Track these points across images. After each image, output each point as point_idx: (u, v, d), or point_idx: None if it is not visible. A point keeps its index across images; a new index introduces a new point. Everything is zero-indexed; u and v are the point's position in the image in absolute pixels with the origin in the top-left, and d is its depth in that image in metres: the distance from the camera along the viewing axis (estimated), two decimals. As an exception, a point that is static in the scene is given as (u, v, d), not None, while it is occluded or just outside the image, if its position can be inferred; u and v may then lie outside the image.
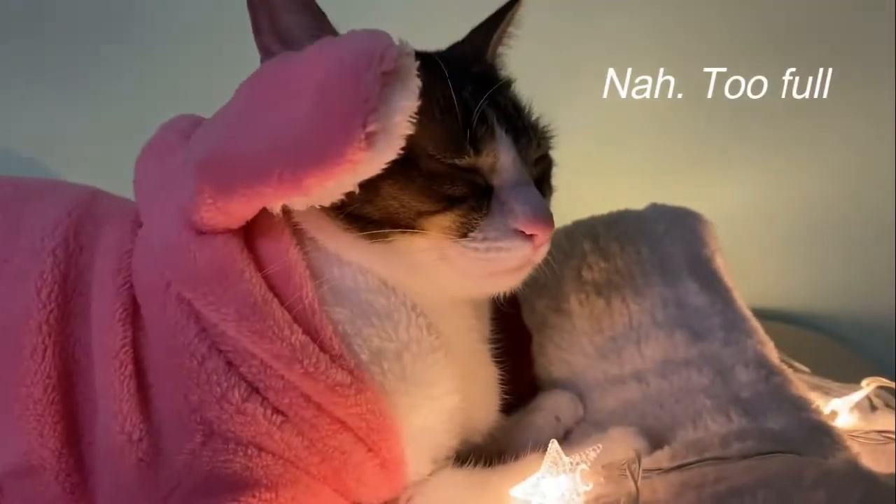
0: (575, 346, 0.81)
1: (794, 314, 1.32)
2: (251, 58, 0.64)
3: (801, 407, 0.68)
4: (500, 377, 0.73)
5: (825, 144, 1.25)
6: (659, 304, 0.79)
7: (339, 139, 0.50)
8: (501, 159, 0.62)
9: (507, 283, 0.65)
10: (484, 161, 0.62)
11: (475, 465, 0.66)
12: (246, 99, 0.60)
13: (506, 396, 0.74)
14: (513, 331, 0.77)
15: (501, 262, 0.62)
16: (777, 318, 1.30)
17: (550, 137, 0.71)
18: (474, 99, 0.62)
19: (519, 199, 0.61)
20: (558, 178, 0.73)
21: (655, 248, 0.84)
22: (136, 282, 0.62)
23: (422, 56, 0.57)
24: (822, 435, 0.65)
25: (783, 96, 1.20)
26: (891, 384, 0.81)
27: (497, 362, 0.73)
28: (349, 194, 0.58)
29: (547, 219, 0.61)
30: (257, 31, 0.63)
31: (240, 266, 0.59)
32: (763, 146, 1.27)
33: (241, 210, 0.58)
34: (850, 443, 0.67)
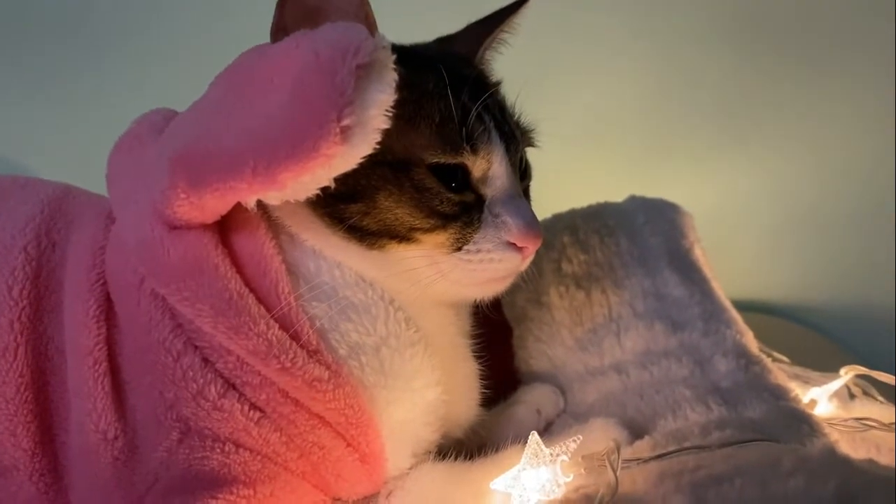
0: (555, 339, 0.81)
1: (773, 305, 1.33)
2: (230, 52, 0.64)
3: (779, 396, 0.68)
4: (480, 371, 0.73)
5: (803, 137, 1.25)
6: (639, 295, 0.79)
7: (313, 133, 0.49)
8: (495, 166, 0.63)
9: (493, 290, 0.67)
10: (479, 164, 0.62)
11: (456, 458, 0.66)
12: (220, 92, 0.59)
13: (486, 391, 0.73)
14: (493, 325, 0.76)
15: (492, 272, 0.63)
16: (756, 310, 1.31)
17: (532, 135, 0.71)
18: (471, 101, 0.62)
19: (512, 213, 0.62)
20: (538, 171, 0.74)
21: (635, 239, 0.84)
22: (110, 278, 0.61)
23: (415, 54, 0.57)
24: (800, 423, 0.65)
25: (763, 89, 1.21)
26: (869, 372, 0.82)
27: (477, 356, 0.73)
28: (349, 207, 0.60)
29: (538, 232, 0.63)
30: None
31: (214, 261, 0.58)
32: (741, 139, 1.28)
33: (214, 204, 0.57)
34: (828, 430, 0.67)
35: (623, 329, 0.77)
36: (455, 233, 0.62)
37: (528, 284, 0.83)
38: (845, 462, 0.55)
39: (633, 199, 0.90)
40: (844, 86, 1.20)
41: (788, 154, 1.27)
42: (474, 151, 0.62)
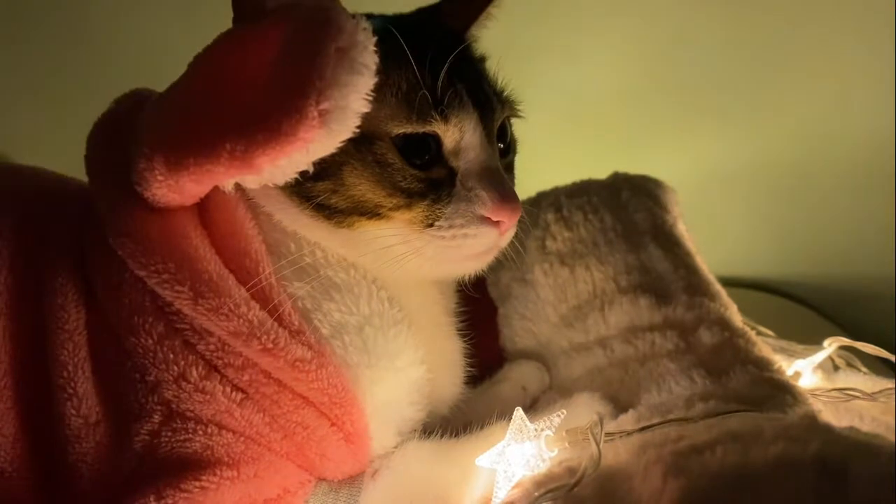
0: (540, 316, 0.81)
1: (757, 280, 1.34)
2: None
3: (764, 367, 0.69)
4: (465, 350, 0.73)
5: (786, 111, 1.25)
6: (623, 270, 0.79)
7: (291, 116, 0.49)
8: (467, 136, 0.62)
9: (472, 267, 0.66)
10: (451, 133, 0.61)
11: (441, 436, 0.66)
12: (197, 74, 0.59)
13: (471, 369, 0.74)
14: (478, 303, 0.76)
15: (468, 248, 0.62)
16: (741, 284, 1.32)
17: (515, 106, 0.70)
18: (440, 65, 0.60)
19: (485, 185, 0.61)
20: (522, 150, 0.73)
21: (619, 215, 0.84)
22: (89, 262, 0.60)
23: (385, 24, 0.56)
24: (784, 393, 0.65)
25: (744, 62, 1.21)
26: (852, 343, 0.83)
27: (462, 335, 0.73)
28: (317, 185, 0.59)
29: (514, 205, 0.61)
30: None
31: (194, 242, 0.58)
32: (723, 114, 1.28)
33: (192, 187, 0.56)
34: (811, 400, 0.68)
35: (607, 304, 0.77)
36: (424, 209, 0.60)
37: (513, 262, 0.83)
38: (826, 429, 0.56)
39: (617, 176, 0.90)
40: (826, 57, 1.19)
41: (771, 128, 1.27)
42: (444, 119, 0.60)
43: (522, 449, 0.60)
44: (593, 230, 0.82)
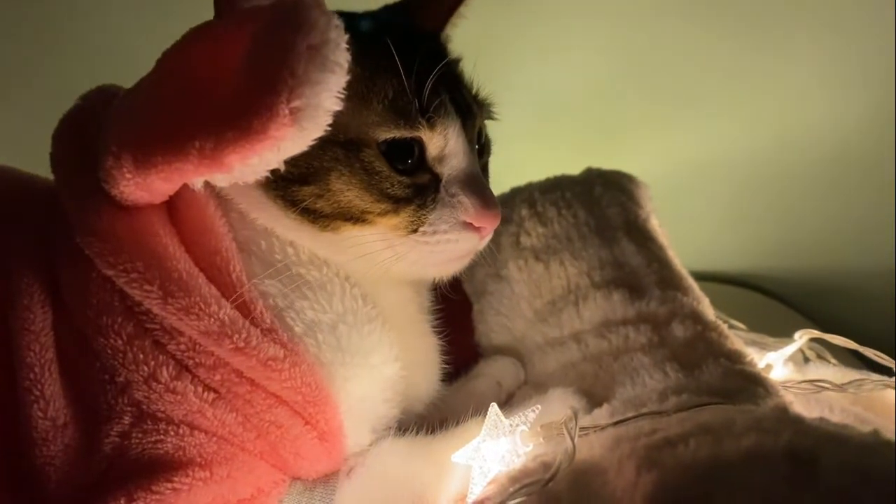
0: (514, 312, 0.82)
1: (729, 274, 1.35)
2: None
3: (736, 360, 0.69)
4: (440, 347, 0.73)
5: (757, 105, 1.27)
6: (597, 265, 0.79)
7: (262, 113, 0.48)
8: (451, 143, 0.63)
9: (451, 269, 0.67)
10: (435, 141, 0.62)
11: (417, 433, 0.65)
12: (166, 70, 0.58)
13: (447, 366, 0.73)
14: (453, 300, 0.76)
15: (449, 253, 0.63)
16: (714, 279, 1.33)
17: (490, 108, 0.71)
18: (426, 74, 0.61)
19: (468, 192, 0.62)
20: (496, 146, 0.74)
21: (592, 211, 0.84)
22: (57, 261, 0.59)
23: (366, 26, 0.56)
24: (755, 385, 0.66)
25: (714, 57, 1.22)
26: (822, 335, 0.84)
27: (438, 332, 0.73)
28: (302, 189, 0.59)
29: (496, 212, 0.63)
30: None
31: (163, 241, 0.57)
32: (695, 108, 1.29)
33: (160, 185, 0.56)
34: (783, 392, 0.68)
35: (581, 299, 0.78)
36: (409, 215, 0.61)
37: (488, 259, 0.83)
38: (797, 420, 0.56)
39: (590, 172, 0.90)
40: (796, 51, 1.21)
41: (743, 124, 1.28)
42: (430, 126, 0.61)
43: (498, 445, 0.60)
44: (567, 225, 0.83)
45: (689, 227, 1.31)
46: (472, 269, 0.85)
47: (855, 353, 0.80)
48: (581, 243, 0.81)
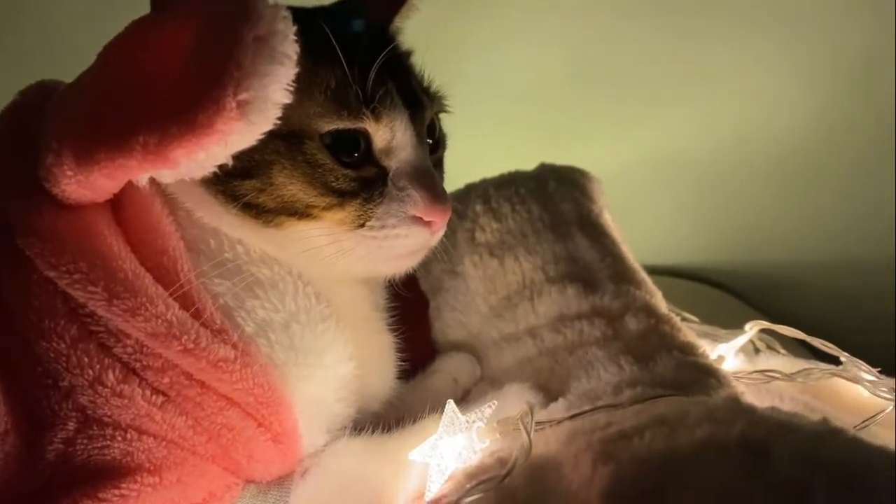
0: (470, 308, 0.81)
1: (681, 267, 1.37)
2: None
3: (688, 352, 0.70)
4: (396, 344, 0.72)
5: (710, 101, 1.29)
6: (551, 260, 0.79)
7: (207, 107, 0.47)
8: (398, 135, 0.61)
9: (402, 266, 0.66)
10: (381, 133, 0.61)
11: (373, 432, 0.65)
12: (108, 63, 0.56)
13: (404, 363, 0.73)
14: (409, 298, 0.76)
15: (399, 248, 0.62)
16: (666, 272, 1.35)
17: (443, 101, 0.70)
18: (371, 63, 0.60)
19: (416, 185, 0.61)
20: (451, 140, 0.73)
21: (546, 206, 0.84)
22: None
23: (312, 17, 0.54)
24: (708, 377, 0.67)
25: (666, 54, 1.23)
26: (772, 326, 0.85)
27: (393, 330, 0.72)
28: (244, 184, 0.57)
29: (446, 206, 0.62)
30: None
31: (108, 241, 0.55)
32: (647, 104, 1.31)
33: (104, 183, 0.54)
34: (735, 383, 0.70)
35: (536, 294, 0.78)
36: (356, 209, 0.60)
37: (443, 255, 0.83)
38: (749, 410, 0.57)
39: (544, 167, 0.90)
40: (751, 48, 1.23)
41: (697, 118, 1.31)
42: (376, 117, 0.60)
43: (454, 441, 0.59)
44: (521, 221, 0.83)
45: (643, 222, 1.33)
46: (427, 265, 0.85)
47: (803, 343, 0.82)
48: (535, 238, 0.81)
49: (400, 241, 0.61)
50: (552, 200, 0.85)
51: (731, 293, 1.34)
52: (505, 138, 1.29)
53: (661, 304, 0.78)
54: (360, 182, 0.60)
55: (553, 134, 1.31)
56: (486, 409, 0.60)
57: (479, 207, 0.85)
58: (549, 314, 0.77)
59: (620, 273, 0.78)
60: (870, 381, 0.76)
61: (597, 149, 1.31)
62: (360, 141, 0.60)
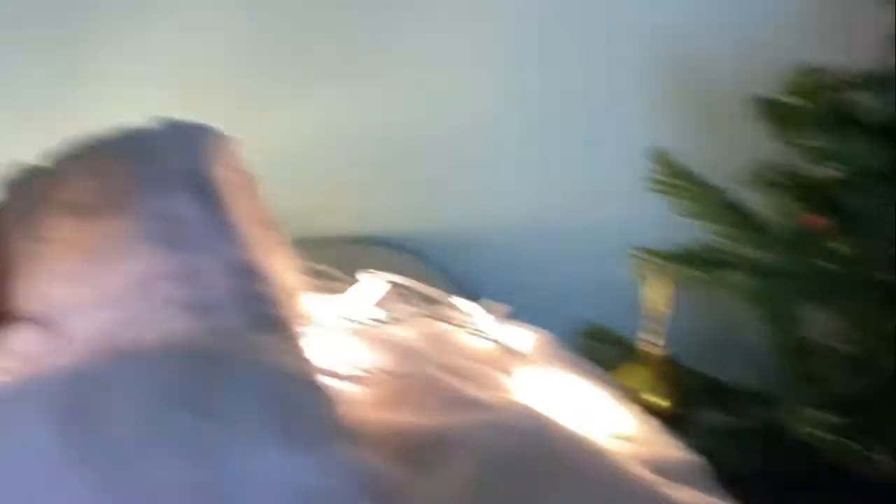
0: (53, 275, 0.73)
1: (379, 237, 1.37)
2: None
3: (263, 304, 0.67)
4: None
5: (395, 68, 1.33)
6: (144, 219, 0.73)
7: None
8: None
9: None
10: None
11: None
12: None
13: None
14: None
15: None
16: (366, 242, 1.34)
17: None
18: None
19: None
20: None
21: (150, 162, 0.78)
22: None
23: None
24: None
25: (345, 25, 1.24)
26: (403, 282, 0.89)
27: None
28: None
29: None
30: None
31: None
32: (340, 73, 1.32)
33: None
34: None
35: (124, 256, 0.71)
36: None
37: (24, 219, 0.75)
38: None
39: (161, 123, 0.84)
40: (438, 27, 1.30)
41: (380, 87, 1.33)
42: None
43: None
44: (117, 177, 0.76)
45: (341, 192, 1.33)
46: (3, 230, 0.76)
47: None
48: (133, 196, 0.75)
49: None
50: (158, 157, 0.79)
51: (426, 260, 1.36)
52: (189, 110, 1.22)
53: (262, 264, 0.75)
54: None
55: (241, 103, 1.26)
56: None
57: (71, 166, 0.77)
58: (134, 274, 0.70)
59: (219, 231, 0.74)
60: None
61: (283, 117, 1.29)
62: None
